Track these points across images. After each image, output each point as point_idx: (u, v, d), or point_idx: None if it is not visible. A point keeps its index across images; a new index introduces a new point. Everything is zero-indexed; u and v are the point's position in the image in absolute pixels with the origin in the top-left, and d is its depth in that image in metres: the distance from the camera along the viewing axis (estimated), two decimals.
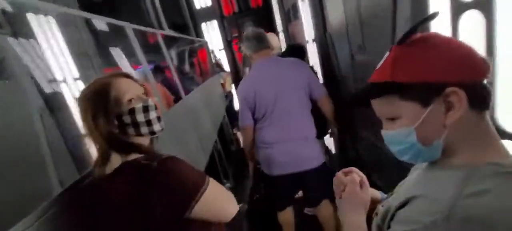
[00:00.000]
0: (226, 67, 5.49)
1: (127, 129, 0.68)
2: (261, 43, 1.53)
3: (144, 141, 0.73)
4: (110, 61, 3.17)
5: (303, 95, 1.51)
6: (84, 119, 0.66)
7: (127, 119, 0.67)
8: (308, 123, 1.54)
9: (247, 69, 4.21)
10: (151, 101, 0.72)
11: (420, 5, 0.95)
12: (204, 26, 5.38)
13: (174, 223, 0.62)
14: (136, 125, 0.68)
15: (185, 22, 5.21)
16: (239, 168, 3.65)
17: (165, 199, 0.61)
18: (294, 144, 1.50)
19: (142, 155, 0.67)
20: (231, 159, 3.57)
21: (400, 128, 0.45)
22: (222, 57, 5.54)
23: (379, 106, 0.48)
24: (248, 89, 1.51)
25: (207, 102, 2.80)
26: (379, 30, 1.33)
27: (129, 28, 1.29)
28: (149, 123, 0.70)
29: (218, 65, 4.88)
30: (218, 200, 0.68)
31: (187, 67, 4.32)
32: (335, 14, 1.86)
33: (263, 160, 1.59)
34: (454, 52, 0.41)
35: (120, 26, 1.27)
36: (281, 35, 4.19)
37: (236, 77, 5.72)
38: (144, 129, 0.69)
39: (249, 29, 1.61)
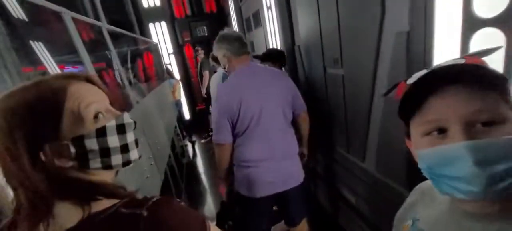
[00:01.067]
0: (176, 73, 5.09)
1: (89, 161, 0.44)
2: (244, 47, 1.37)
3: (107, 176, 0.49)
4: (30, 60, 2.50)
5: (288, 109, 1.40)
6: (6, 148, 0.40)
7: (92, 144, 0.44)
8: (292, 138, 1.44)
9: (206, 73, 3.96)
10: (127, 117, 0.48)
11: (419, 19, 0.90)
12: (152, 27, 4.88)
13: None
14: (105, 153, 0.45)
15: (129, 21, 4.65)
16: (192, 184, 3.34)
17: None
18: (281, 162, 1.37)
19: (116, 200, 0.43)
20: (182, 173, 3.23)
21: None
22: (171, 62, 5.11)
23: (480, 102, 0.35)
24: (232, 97, 1.28)
25: (160, 112, 2.45)
26: (360, 44, 1.29)
27: (68, 16, 0.97)
28: (125, 148, 0.47)
29: (168, 72, 4.47)
30: None
31: (133, 70, 3.82)
32: (307, 26, 1.80)
33: (242, 181, 1.38)
34: None
35: (53, 12, 0.94)
36: None
37: (188, 84, 5.35)
38: (116, 159, 0.46)
39: (227, 30, 1.42)
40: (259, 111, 1.30)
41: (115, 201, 0.43)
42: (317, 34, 1.65)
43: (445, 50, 0.83)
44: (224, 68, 1.44)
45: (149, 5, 4.80)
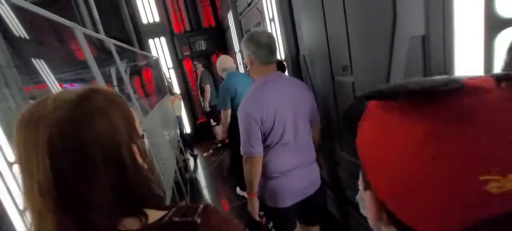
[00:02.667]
0: (176, 88, 5.08)
1: None
2: (271, 56, 1.30)
3: None
4: (32, 77, 2.48)
5: (311, 118, 1.44)
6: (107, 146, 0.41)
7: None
8: (312, 144, 1.46)
9: (208, 86, 3.95)
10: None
11: (436, 21, 0.90)
12: (151, 42, 4.90)
13: None
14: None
15: (129, 37, 4.67)
16: (195, 198, 3.27)
17: None
18: (309, 168, 1.41)
19: (163, 211, 0.45)
20: (187, 188, 3.17)
21: None
22: (171, 76, 5.11)
23: None
24: (267, 107, 1.22)
25: (164, 126, 2.42)
26: (370, 50, 1.29)
27: (80, 31, 0.95)
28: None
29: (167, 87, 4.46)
30: None
31: (133, 86, 3.82)
32: (312, 35, 1.81)
33: (272, 192, 1.35)
34: None
35: (65, 26, 0.92)
36: (238, 56, 4.08)
37: (188, 98, 5.33)
38: None
39: (258, 31, 1.33)
40: (292, 122, 1.29)
41: (161, 211, 0.44)
42: (324, 42, 1.66)
43: (467, 52, 0.82)
44: (246, 67, 1.41)
45: (148, 22, 4.84)
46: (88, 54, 1.00)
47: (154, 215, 0.43)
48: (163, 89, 3.97)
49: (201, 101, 4.29)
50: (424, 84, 0.25)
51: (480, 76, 0.25)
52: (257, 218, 1.39)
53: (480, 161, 0.21)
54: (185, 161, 4.11)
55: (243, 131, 1.26)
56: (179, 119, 4.37)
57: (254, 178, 1.29)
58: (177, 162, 3.34)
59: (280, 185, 1.33)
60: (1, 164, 1.40)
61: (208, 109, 4.06)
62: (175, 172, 2.38)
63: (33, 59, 2.36)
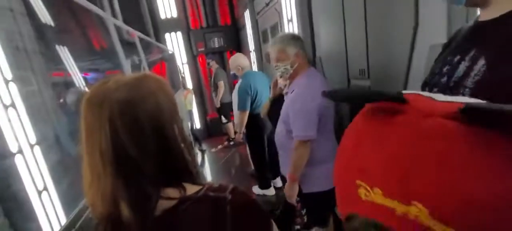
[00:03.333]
0: (189, 83, 5.15)
1: None
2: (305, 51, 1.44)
3: None
4: (56, 63, 2.55)
5: None
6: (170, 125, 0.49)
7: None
8: None
9: (221, 83, 3.99)
10: None
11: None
12: (167, 37, 4.99)
13: None
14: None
15: (146, 31, 4.77)
16: None
17: None
18: None
19: (198, 186, 0.51)
20: None
21: None
22: (185, 71, 5.18)
23: None
24: (318, 97, 1.33)
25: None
26: (389, 54, 1.28)
27: (111, 22, 0.99)
28: None
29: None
30: None
31: None
32: (330, 37, 1.81)
33: (317, 177, 1.41)
34: None
35: (98, 15, 0.96)
36: (253, 55, 4.11)
37: (200, 93, 5.40)
38: None
39: (294, 33, 1.51)
40: (333, 112, 1.43)
41: (197, 186, 0.50)
42: (342, 45, 1.65)
43: None
44: (291, 66, 1.40)
45: (166, 16, 4.92)
46: (117, 43, 1.04)
47: (191, 188, 0.50)
48: (177, 84, 4.04)
49: (214, 97, 4.34)
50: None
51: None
52: (295, 202, 1.42)
53: (358, 168, 0.26)
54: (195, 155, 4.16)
55: (302, 115, 1.32)
56: (190, 113, 4.44)
57: (303, 162, 1.36)
58: None
59: (324, 169, 1.38)
60: (24, 144, 1.47)
61: (218, 105, 4.09)
62: None
63: (57, 46, 2.44)
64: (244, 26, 4.34)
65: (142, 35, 1.94)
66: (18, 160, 1.27)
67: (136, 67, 4.12)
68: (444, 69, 0.61)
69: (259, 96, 2.49)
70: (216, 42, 5.18)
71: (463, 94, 0.52)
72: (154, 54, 4.98)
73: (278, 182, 2.88)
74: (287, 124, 1.40)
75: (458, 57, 0.58)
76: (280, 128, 1.51)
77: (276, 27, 2.83)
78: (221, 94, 3.95)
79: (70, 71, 2.58)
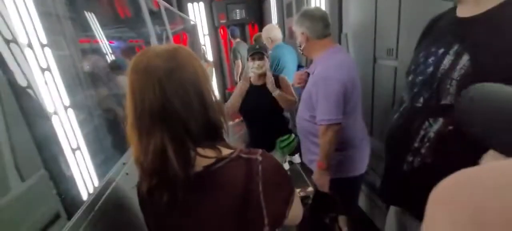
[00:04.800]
0: (210, 55, 5.15)
1: None
2: (327, 28, 1.28)
3: None
4: (85, 29, 2.64)
5: None
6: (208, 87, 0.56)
7: None
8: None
9: (239, 61, 3.95)
10: None
11: None
12: (190, 6, 4.94)
13: (279, 219, 0.57)
14: None
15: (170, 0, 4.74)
16: None
17: (274, 195, 0.56)
18: (365, 143, 1.41)
19: (231, 149, 0.57)
20: None
21: None
22: (206, 43, 5.17)
23: None
24: (350, 75, 1.23)
25: None
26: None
27: None
28: None
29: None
30: (298, 202, 0.64)
31: None
32: (359, 13, 1.71)
33: (345, 162, 1.35)
34: None
35: None
36: None
37: (220, 66, 5.40)
38: None
39: (310, 7, 1.37)
40: (358, 94, 1.30)
41: (230, 149, 0.56)
42: (372, 22, 1.57)
43: None
44: (300, 46, 1.34)
45: None
46: (146, 14, 1.05)
47: (225, 151, 0.56)
48: (198, 55, 4.06)
49: (234, 71, 4.32)
50: None
51: None
52: (327, 190, 1.35)
53: None
54: None
55: (328, 97, 1.22)
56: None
57: (333, 148, 1.27)
58: None
59: (353, 154, 1.35)
60: (59, 107, 1.57)
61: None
62: None
63: (85, 12, 2.51)
64: None
65: (167, 5, 1.93)
66: (55, 120, 1.37)
67: (159, 37, 4.18)
68: (430, 60, 0.66)
69: (287, 72, 2.45)
70: (238, 13, 5.07)
71: (450, 85, 0.59)
72: (176, 24, 4.99)
73: (297, 158, 2.90)
74: (310, 107, 1.32)
75: (442, 49, 0.63)
76: (302, 112, 1.42)
77: (301, 1, 2.70)
78: (239, 71, 3.91)
79: (98, 38, 2.67)
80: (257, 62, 1.60)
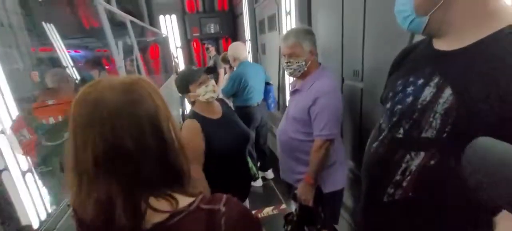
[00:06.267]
0: (182, 67, 5.06)
1: None
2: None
3: None
4: (40, 39, 2.46)
5: None
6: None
7: None
8: None
9: (222, 71, 3.87)
10: None
11: None
12: (162, 19, 4.85)
13: None
14: None
15: (140, 11, 4.62)
16: None
17: None
18: None
19: (193, 197, 0.49)
20: None
21: None
22: (178, 56, 5.08)
23: None
24: (340, 96, 1.34)
25: (169, 106, 2.43)
26: (385, 58, 1.28)
27: (101, 6, 0.94)
28: None
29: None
30: None
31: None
32: (327, 35, 1.79)
33: (330, 177, 1.39)
34: None
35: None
36: (248, 45, 4.05)
37: None
38: None
39: (305, 26, 1.46)
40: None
41: (189, 198, 0.48)
42: (338, 44, 1.64)
43: None
44: (305, 63, 1.31)
45: None
46: (107, 30, 1.00)
47: (183, 200, 0.48)
48: (169, 68, 3.96)
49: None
50: None
51: None
52: (311, 205, 1.38)
53: None
54: None
55: (328, 113, 1.25)
56: (181, 99, 4.38)
57: (325, 163, 1.32)
58: None
59: (338, 169, 1.40)
60: (6, 123, 1.42)
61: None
62: None
63: (43, 23, 2.35)
64: (241, 13, 4.25)
65: (133, 19, 1.87)
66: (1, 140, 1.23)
67: (128, 48, 4.02)
68: (408, 90, 0.65)
69: (251, 89, 2.49)
70: (212, 28, 5.07)
71: (434, 118, 0.58)
72: (148, 36, 4.85)
73: (270, 174, 2.91)
74: (305, 123, 1.31)
75: (421, 80, 0.62)
76: (290, 130, 1.39)
77: (274, 18, 2.78)
78: (221, 83, 3.85)
79: (58, 49, 2.50)
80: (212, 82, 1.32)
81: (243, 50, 2.59)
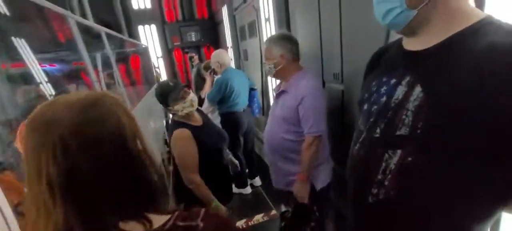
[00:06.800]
0: (164, 78, 4.98)
1: None
2: (299, 54, 1.44)
3: None
4: (9, 55, 2.33)
5: None
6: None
7: None
8: None
9: (208, 78, 3.83)
10: None
11: None
12: (141, 29, 4.76)
13: None
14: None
15: (117, 22, 4.51)
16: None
17: None
18: None
19: (169, 215, 0.46)
20: (169, 181, 3.13)
21: None
22: (160, 66, 5.00)
23: None
24: (325, 95, 1.42)
25: (151, 117, 2.37)
26: (362, 60, 1.32)
27: (72, 20, 0.91)
28: None
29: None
30: None
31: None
32: (307, 38, 1.83)
33: (321, 174, 1.46)
34: None
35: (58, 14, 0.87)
36: (230, 51, 4.05)
37: None
38: None
39: (285, 32, 1.54)
40: None
41: (164, 216, 0.46)
42: (318, 48, 1.68)
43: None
44: (275, 67, 1.40)
45: (139, 7, 4.69)
46: (80, 43, 0.96)
47: (157, 220, 0.45)
48: (150, 79, 3.88)
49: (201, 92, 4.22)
50: None
51: None
52: (307, 201, 1.42)
53: None
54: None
55: (314, 111, 1.33)
56: (165, 109, 4.30)
57: (315, 159, 1.38)
58: (161, 154, 3.28)
59: (326, 165, 1.48)
60: None
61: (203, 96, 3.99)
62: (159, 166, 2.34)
63: (13, 38, 2.23)
64: (221, 21, 4.26)
65: (109, 31, 1.83)
66: None
67: (106, 60, 3.90)
68: (382, 90, 0.67)
69: (236, 95, 2.50)
70: (193, 36, 5.04)
71: (406, 115, 0.59)
72: (127, 47, 4.74)
73: (258, 181, 2.90)
74: (293, 123, 1.38)
75: (394, 80, 0.65)
76: (278, 127, 1.45)
77: (253, 25, 2.80)
78: (206, 89, 3.83)
79: (28, 62, 2.38)
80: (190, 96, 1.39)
81: (227, 56, 2.62)
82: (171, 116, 1.47)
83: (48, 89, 3.01)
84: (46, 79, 3.24)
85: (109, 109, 0.43)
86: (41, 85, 2.74)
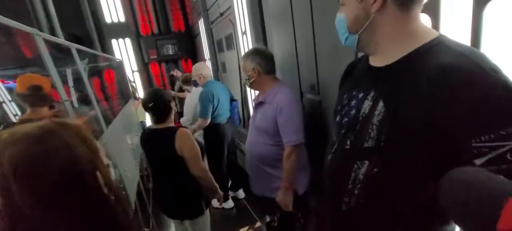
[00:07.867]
0: (141, 92, 4.84)
1: None
2: (273, 67, 1.52)
3: None
4: None
5: None
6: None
7: None
8: None
9: (188, 89, 3.75)
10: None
11: None
12: (114, 43, 4.63)
13: None
14: None
15: (89, 36, 4.35)
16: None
17: None
18: None
19: None
20: (149, 198, 3.00)
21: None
22: (136, 80, 4.86)
23: None
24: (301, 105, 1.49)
25: (128, 134, 2.29)
26: (336, 70, 1.38)
27: (40, 38, 0.86)
28: None
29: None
30: None
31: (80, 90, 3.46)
32: (283, 51, 1.88)
33: (301, 180, 1.52)
34: None
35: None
36: (208, 64, 4.05)
37: None
38: None
39: (260, 47, 1.60)
40: None
41: None
42: (294, 60, 1.73)
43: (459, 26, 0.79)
44: (248, 79, 1.51)
45: (112, 21, 4.57)
46: (48, 61, 0.92)
47: None
48: (126, 94, 3.76)
49: (177, 107, 4.13)
50: None
51: None
52: (291, 209, 1.46)
53: None
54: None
55: (292, 121, 1.40)
56: (142, 124, 4.16)
57: (296, 167, 1.43)
58: (140, 171, 3.15)
59: (306, 171, 1.55)
60: None
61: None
62: (138, 183, 2.25)
63: None
64: (198, 34, 4.26)
65: (80, 47, 1.76)
66: None
67: (78, 75, 3.72)
68: (352, 103, 0.72)
69: (220, 106, 2.50)
70: (170, 49, 4.98)
71: (372, 129, 0.63)
72: (100, 61, 4.57)
73: (241, 193, 2.87)
74: (272, 133, 1.45)
75: (361, 94, 0.69)
76: (259, 138, 1.52)
77: (231, 38, 2.83)
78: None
79: None
80: None
81: (208, 68, 2.66)
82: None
83: (11, 109, 2.80)
84: (9, 98, 3.03)
85: (60, 143, 0.39)
86: (3, 104, 2.55)
